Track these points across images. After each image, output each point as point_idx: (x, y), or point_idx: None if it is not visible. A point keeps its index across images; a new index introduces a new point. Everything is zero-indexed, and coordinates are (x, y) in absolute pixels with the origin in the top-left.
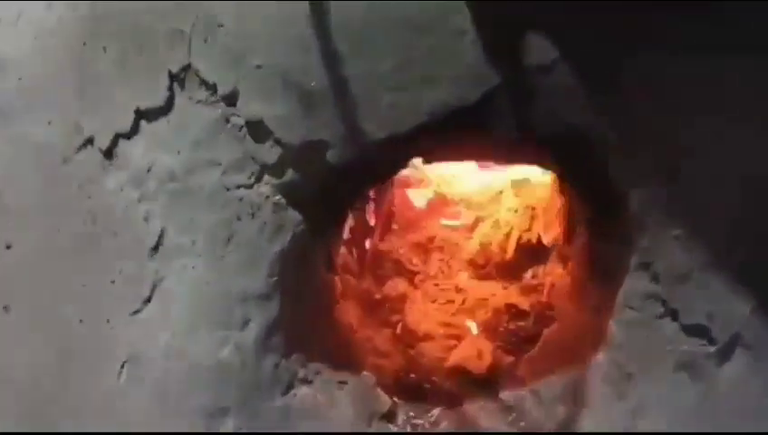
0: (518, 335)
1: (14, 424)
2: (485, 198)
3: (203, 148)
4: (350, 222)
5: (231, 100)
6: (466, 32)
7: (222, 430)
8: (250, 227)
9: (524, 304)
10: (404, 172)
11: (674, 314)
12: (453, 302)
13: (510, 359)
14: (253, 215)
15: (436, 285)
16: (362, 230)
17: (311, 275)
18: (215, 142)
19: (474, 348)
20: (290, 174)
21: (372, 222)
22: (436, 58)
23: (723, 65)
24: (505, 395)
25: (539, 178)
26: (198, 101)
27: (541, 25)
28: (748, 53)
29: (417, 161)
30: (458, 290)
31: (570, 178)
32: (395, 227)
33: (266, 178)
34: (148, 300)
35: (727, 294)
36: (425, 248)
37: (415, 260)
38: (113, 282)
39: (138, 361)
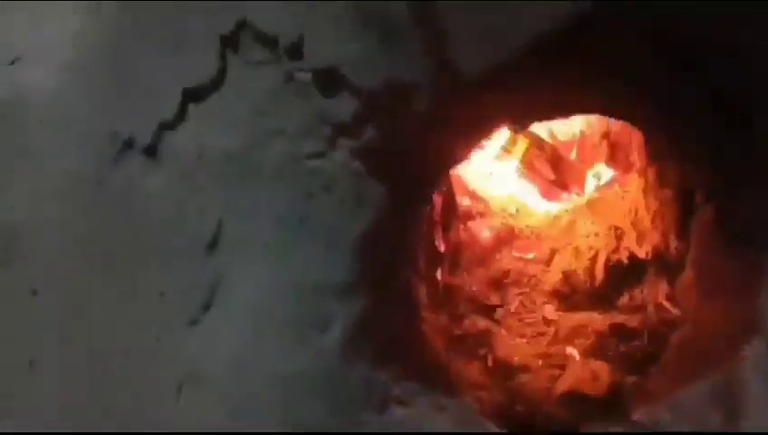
0: (634, 357)
1: None
2: (557, 229)
3: (264, 116)
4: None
5: (295, 51)
6: None
7: None
8: (325, 205)
9: (632, 322)
10: (465, 203)
11: None
12: (544, 334)
13: (632, 378)
14: (328, 189)
15: (521, 320)
16: (431, 262)
17: (398, 266)
18: (277, 107)
19: (585, 370)
20: (369, 133)
21: (442, 249)
22: None
23: None
24: (637, 415)
25: (616, 201)
26: (256, 63)
27: None
28: None
29: (480, 189)
30: (547, 322)
31: (700, 115)
32: (463, 262)
33: (341, 141)
34: (208, 306)
35: None
36: (500, 283)
37: (492, 296)
38: (162, 294)
39: (199, 378)
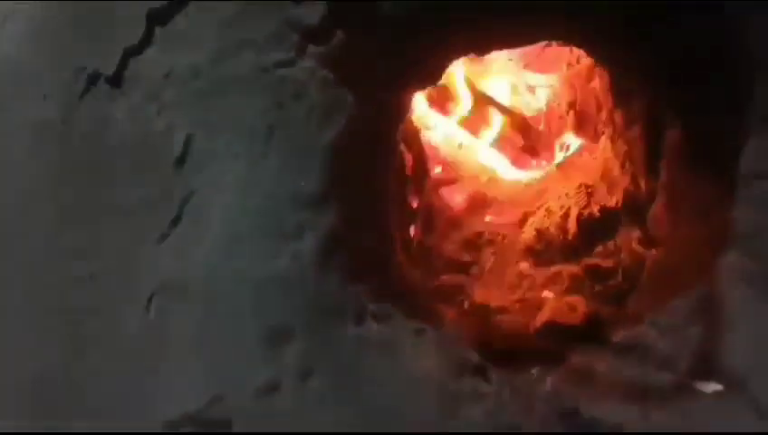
0: (609, 293)
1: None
2: (529, 195)
3: (231, 28)
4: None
5: None
6: None
7: (286, 356)
8: (295, 114)
9: (606, 264)
10: (437, 171)
11: None
12: (520, 286)
13: (609, 308)
14: (297, 97)
15: (496, 275)
16: (404, 217)
17: (366, 178)
18: (245, 17)
19: (561, 304)
20: (338, 38)
21: (414, 205)
22: None
23: None
24: (619, 336)
25: (584, 160)
26: None
27: None
28: None
29: (451, 157)
30: (522, 277)
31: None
32: (436, 226)
33: (310, 48)
34: (177, 220)
35: None
36: (474, 244)
37: (466, 256)
38: (130, 214)
39: (170, 289)
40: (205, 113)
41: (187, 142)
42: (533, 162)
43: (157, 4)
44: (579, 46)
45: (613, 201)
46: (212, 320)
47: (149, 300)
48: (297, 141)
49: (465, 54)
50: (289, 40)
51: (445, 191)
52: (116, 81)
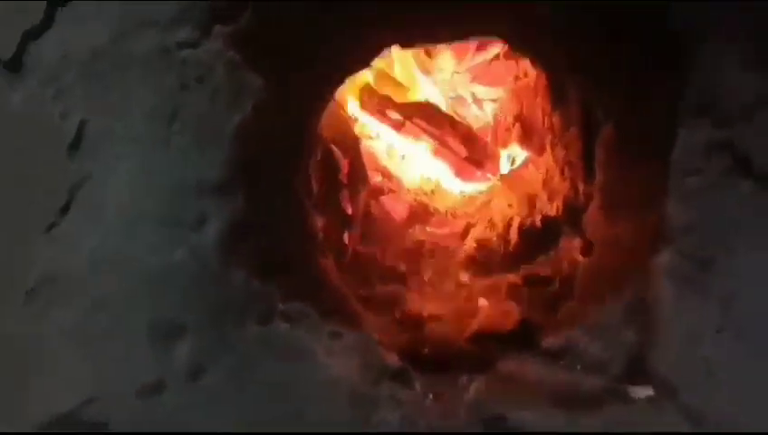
0: (545, 301)
1: None
2: (473, 207)
3: (134, 6)
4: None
5: None
6: None
7: (176, 353)
8: (199, 97)
9: (544, 272)
10: (377, 179)
11: (746, 164)
12: (457, 296)
13: (543, 314)
14: (201, 79)
15: (434, 286)
16: (338, 223)
17: (280, 169)
18: None
19: (495, 311)
20: (246, 19)
21: (349, 211)
22: None
23: None
24: (549, 341)
25: (529, 172)
26: None
27: None
28: None
29: (391, 167)
30: (461, 286)
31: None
32: (376, 236)
33: (216, 29)
34: (66, 208)
35: None
36: (414, 254)
37: (405, 266)
38: (18, 205)
39: (53, 280)
40: (103, 96)
41: (82, 126)
42: (478, 173)
43: None
44: (507, 41)
45: (554, 209)
46: (98, 315)
47: (29, 293)
48: (200, 126)
49: (389, 44)
50: (194, 19)
51: (385, 200)
52: (14, 65)
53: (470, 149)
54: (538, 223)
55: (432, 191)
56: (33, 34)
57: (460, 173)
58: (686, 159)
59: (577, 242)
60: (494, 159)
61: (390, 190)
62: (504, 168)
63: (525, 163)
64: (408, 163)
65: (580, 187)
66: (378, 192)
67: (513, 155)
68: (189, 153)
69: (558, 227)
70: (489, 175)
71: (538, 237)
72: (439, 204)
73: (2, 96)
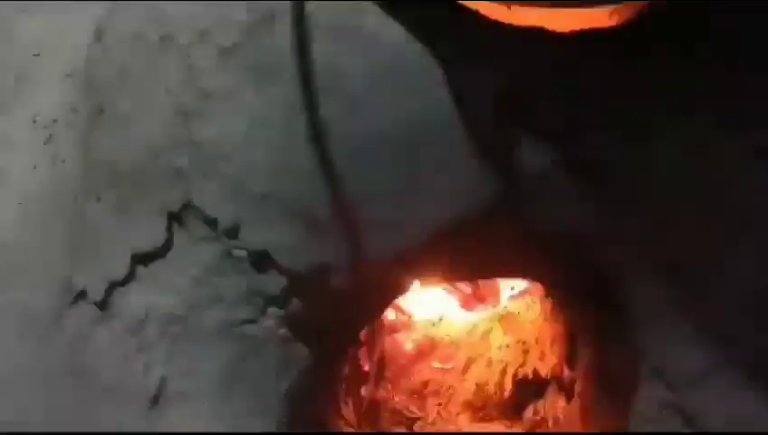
0: None
1: None
2: (474, 337)
3: (204, 285)
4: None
5: (233, 232)
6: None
7: None
8: (256, 366)
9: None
10: (390, 317)
11: (691, 423)
12: None
13: None
14: (258, 351)
15: (437, 430)
16: (357, 378)
17: (319, 417)
18: (216, 278)
19: None
20: (294, 304)
21: (366, 368)
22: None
23: None
24: None
25: (526, 312)
26: (199, 239)
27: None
28: None
29: (404, 306)
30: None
31: (567, 287)
32: (387, 374)
33: (270, 310)
34: None
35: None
36: (420, 394)
37: (412, 407)
38: None
39: None
40: (178, 357)
41: (162, 384)
42: (480, 306)
43: (142, 247)
44: None
45: (544, 370)
46: None
47: None
48: (256, 391)
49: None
50: (253, 302)
51: (397, 337)
52: (102, 305)
53: (474, 287)
54: (530, 375)
55: (441, 319)
56: (119, 283)
57: (465, 305)
58: (643, 412)
59: (562, 402)
60: (496, 292)
61: (402, 326)
62: (505, 296)
63: (524, 292)
64: (418, 297)
65: (566, 371)
66: (391, 330)
67: (513, 284)
68: (246, 414)
69: (546, 384)
70: (491, 306)
71: (529, 388)
72: (444, 332)
73: (90, 328)
